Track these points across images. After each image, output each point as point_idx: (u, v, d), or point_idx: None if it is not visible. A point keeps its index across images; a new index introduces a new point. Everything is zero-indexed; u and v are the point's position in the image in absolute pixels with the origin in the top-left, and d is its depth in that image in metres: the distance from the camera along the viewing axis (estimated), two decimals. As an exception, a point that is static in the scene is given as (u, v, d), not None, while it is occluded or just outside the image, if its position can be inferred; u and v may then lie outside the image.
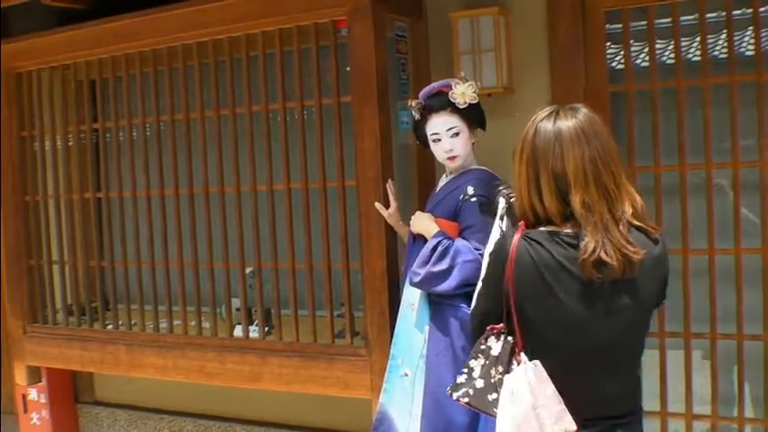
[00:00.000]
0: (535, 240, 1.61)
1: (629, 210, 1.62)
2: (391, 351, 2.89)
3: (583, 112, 1.67)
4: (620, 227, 1.59)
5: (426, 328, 2.79)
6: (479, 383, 1.73)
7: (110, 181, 3.99)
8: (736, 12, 2.98)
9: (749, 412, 3.07)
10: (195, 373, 3.64)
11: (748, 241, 2.98)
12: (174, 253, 3.70)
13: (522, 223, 1.68)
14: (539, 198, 1.63)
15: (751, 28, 3.03)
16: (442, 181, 2.93)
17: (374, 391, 3.06)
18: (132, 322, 3.88)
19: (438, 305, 2.76)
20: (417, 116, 2.84)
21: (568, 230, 1.60)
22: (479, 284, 1.82)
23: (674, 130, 3.05)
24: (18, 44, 4.01)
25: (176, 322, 3.73)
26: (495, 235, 1.96)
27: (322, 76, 3.26)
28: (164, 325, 3.77)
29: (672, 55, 3.13)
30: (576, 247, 1.57)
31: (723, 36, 3.08)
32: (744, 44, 3.12)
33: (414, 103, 2.84)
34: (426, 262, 2.70)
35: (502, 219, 2.02)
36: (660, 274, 1.70)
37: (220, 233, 3.55)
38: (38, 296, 4.17)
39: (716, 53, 3.14)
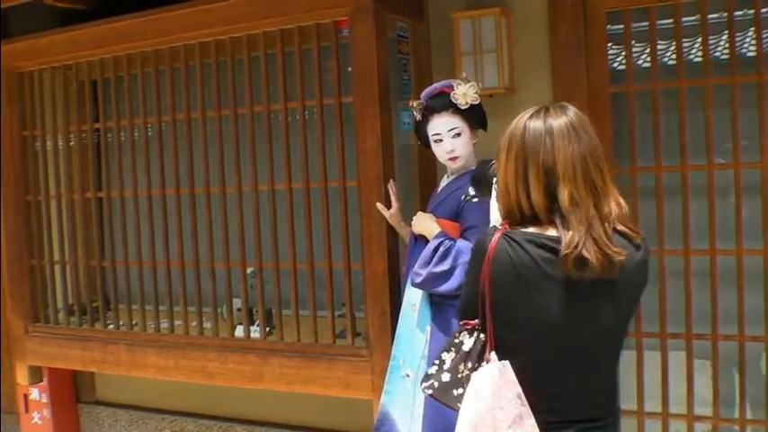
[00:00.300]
0: (515, 240, 1.60)
1: (615, 209, 1.61)
2: (392, 352, 2.89)
3: (572, 109, 1.66)
4: (605, 225, 1.58)
5: (428, 328, 2.79)
6: (446, 377, 1.72)
7: (111, 181, 3.99)
8: (737, 13, 2.98)
9: (750, 413, 3.07)
10: (196, 373, 3.64)
11: (750, 242, 2.98)
12: (176, 253, 3.70)
13: (504, 222, 1.67)
14: (526, 194, 1.61)
15: (752, 29, 3.03)
16: (444, 181, 2.93)
17: (375, 392, 3.06)
18: (133, 322, 3.88)
19: (440, 306, 2.76)
20: (419, 117, 2.84)
21: (550, 233, 1.59)
22: (464, 280, 1.82)
23: (676, 131, 3.05)
24: (20, 44, 4.02)
25: (177, 322, 3.73)
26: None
27: (323, 77, 3.27)
28: (165, 325, 3.78)
29: (673, 56, 3.13)
30: (556, 251, 1.56)
31: (724, 37, 3.08)
32: (745, 45, 3.12)
33: (415, 104, 2.84)
34: (428, 263, 2.70)
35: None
36: (641, 279, 1.67)
37: (222, 233, 3.55)
38: (39, 296, 4.17)
39: (717, 54, 3.14)
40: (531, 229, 1.62)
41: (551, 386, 1.64)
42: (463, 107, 2.72)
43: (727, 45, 3.04)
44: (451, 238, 2.72)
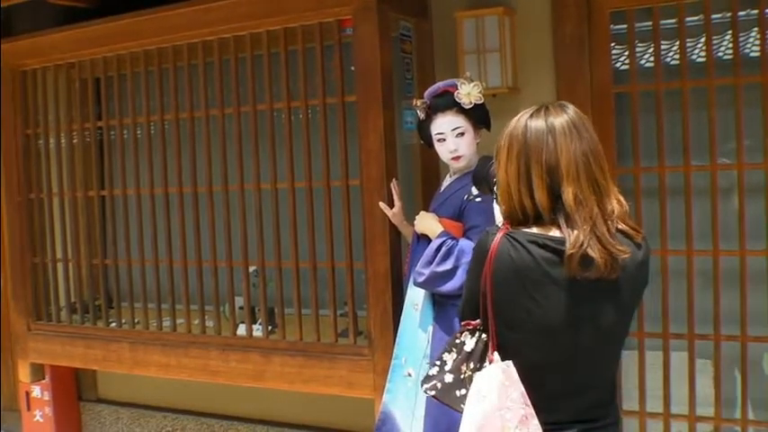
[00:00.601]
0: (517, 241, 1.59)
1: (616, 207, 1.61)
2: (394, 351, 2.89)
3: (571, 108, 1.66)
4: (608, 223, 1.58)
5: (430, 327, 2.79)
6: (448, 378, 1.71)
7: (114, 179, 3.99)
8: (741, 13, 2.97)
9: (752, 414, 3.07)
10: (198, 372, 3.65)
11: (753, 243, 2.98)
12: (178, 251, 3.70)
13: (505, 222, 1.67)
14: (529, 193, 1.60)
15: (756, 29, 3.03)
16: (447, 181, 2.93)
17: (377, 391, 3.06)
18: (136, 320, 3.88)
19: (442, 305, 2.76)
20: (422, 116, 2.84)
21: (553, 234, 1.59)
22: (465, 279, 1.82)
23: (679, 131, 3.04)
24: (23, 42, 4.02)
25: (180, 320, 3.74)
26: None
27: (327, 76, 3.27)
28: (167, 323, 3.78)
29: (676, 56, 3.12)
30: (558, 252, 1.56)
31: (728, 37, 3.08)
32: (749, 45, 3.11)
33: (419, 103, 2.84)
34: (430, 262, 2.70)
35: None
36: (642, 278, 1.67)
37: (224, 232, 3.55)
38: (42, 294, 4.18)
39: (721, 54, 3.14)
40: (533, 230, 1.61)
41: (552, 386, 1.64)
42: (467, 106, 2.72)
43: (730, 45, 3.03)
44: (454, 238, 2.72)
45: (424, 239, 2.84)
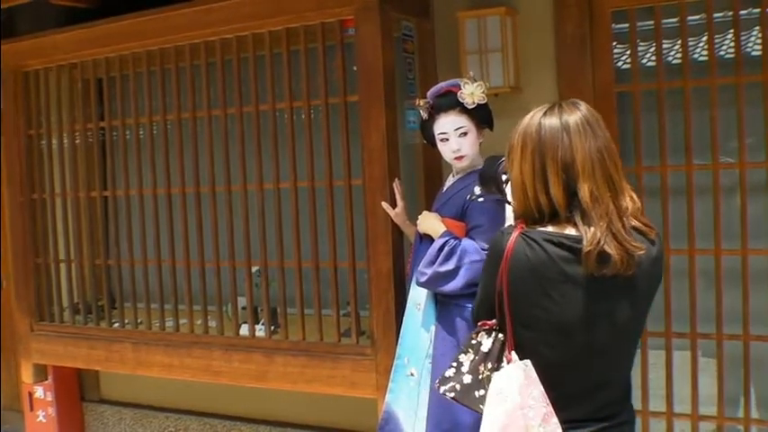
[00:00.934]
0: (533, 239, 1.60)
1: (630, 204, 1.62)
2: (397, 350, 2.89)
3: (584, 105, 1.66)
4: (623, 220, 1.58)
5: (432, 327, 2.79)
6: (467, 379, 1.71)
7: (116, 179, 4.00)
8: (742, 12, 2.97)
9: (755, 413, 3.07)
10: (201, 372, 3.65)
11: (755, 242, 2.98)
12: (181, 251, 3.71)
13: (520, 221, 1.67)
14: (545, 190, 1.61)
15: (758, 28, 3.03)
16: (449, 181, 2.93)
17: (380, 391, 3.07)
18: (138, 321, 3.89)
19: (445, 305, 2.76)
20: (425, 115, 2.84)
21: (568, 232, 1.59)
22: (480, 280, 1.82)
23: (681, 131, 3.05)
24: (25, 43, 4.02)
25: (182, 321, 3.74)
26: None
27: (329, 76, 3.27)
28: (170, 323, 3.78)
29: (678, 55, 3.13)
30: (574, 250, 1.56)
31: (730, 36, 3.08)
32: (750, 44, 3.11)
33: (422, 103, 2.84)
34: (433, 262, 2.70)
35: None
36: (656, 274, 1.68)
37: (227, 232, 3.55)
38: (44, 294, 4.18)
39: (723, 53, 3.14)
40: (548, 228, 1.62)
41: (569, 385, 1.64)
42: (470, 106, 2.72)
43: (732, 44, 3.03)
44: (457, 238, 2.72)
45: (426, 239, 2.84)
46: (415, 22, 3.43)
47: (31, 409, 4.53)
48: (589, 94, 3.12)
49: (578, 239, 1.56)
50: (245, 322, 3.57)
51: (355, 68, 3.20)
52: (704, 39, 3.08)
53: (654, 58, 3.12)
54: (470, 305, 2.64)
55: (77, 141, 4.09)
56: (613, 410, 1.68)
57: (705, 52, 3.08)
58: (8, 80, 4.09)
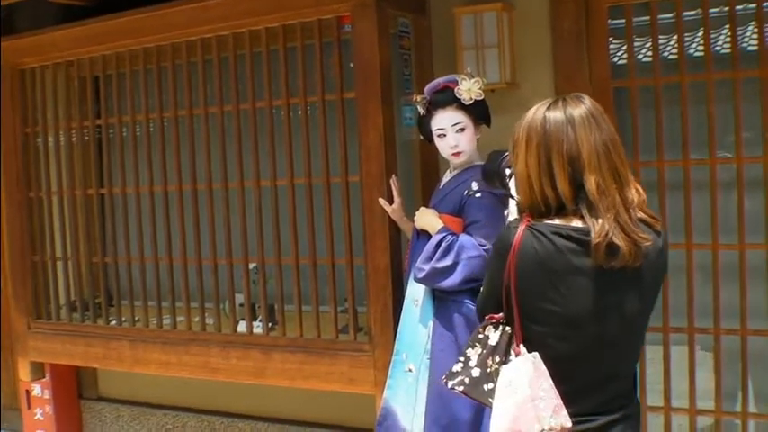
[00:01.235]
0: (540, 232, 1.60)
1: (635, 196, 1.62)
2: (395, 346, 2.89)
3: (587, 99, 1.67)
4: (630, 211, 1.59)
5: (430, 323, 2.79)
6: (475, 372, 1.72)
7: (113, 177, 4.00)
8: (738, 7, 2.98)
9: (753, 407, 3.08)
10: (199, 369, 3.65)
11: (752, 237, 2.98)
12: (178, 248, 3.71)
13: (526, 215, 1.67)
14: (551, 184, 1.61)
15: (754, 23, 3.03)
16: (446, 177, 2.93)
17: (378, 387, 3.07)
18: (136, 318, 3.88)
19: (442, 301, 2.76)
20: (422, 111, 2.84)
21: (575, 224, 1.60)
22: (485, 274, 1.82)
23: (678, 126, 3.05)
24: (22, 41, 4.02)
25: (180, 318, 3.74)
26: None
27: (326, 73, 3.27)
28: (167, 321, 3.78)
29: (675, 50, 3.13)
30: (581, 242, 1.57)
31: (726, 31, 3.08)
32: (747, 39, 3.12)
33: (419, 99, 2.84)
34: (431, 258, 2.70)
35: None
36: (662, 265, 1.70)
37: (224, 229, 3.55)
38: (41, 292, 4.18)
39: (719, 48, 3.14)
40: (555, 221, 1.62)
41: (580, 377, 1.65)
42: (467, 102, 2.72)
43: (728, 39, 3.04)
44: (454, 234, 2.72)
45: (423, 235, 2.84)
46: (411, 18, 3.43)
47: (29, 407, 4.52)
48: (586, 89, 3.11)
49: (586, 232, 1.57)
50: (242, 319, 3.57)
51: (352, 65, 3.20)
52: (700, 34, 3.08)
53: (650, 53, 3.12)
54: (468, 301, 2.66)
55: (74, 139, 4.09)
56: (621, 403, 1.69)
57: (701, 48, 3.08)
58: (5, 78, 4.09)
